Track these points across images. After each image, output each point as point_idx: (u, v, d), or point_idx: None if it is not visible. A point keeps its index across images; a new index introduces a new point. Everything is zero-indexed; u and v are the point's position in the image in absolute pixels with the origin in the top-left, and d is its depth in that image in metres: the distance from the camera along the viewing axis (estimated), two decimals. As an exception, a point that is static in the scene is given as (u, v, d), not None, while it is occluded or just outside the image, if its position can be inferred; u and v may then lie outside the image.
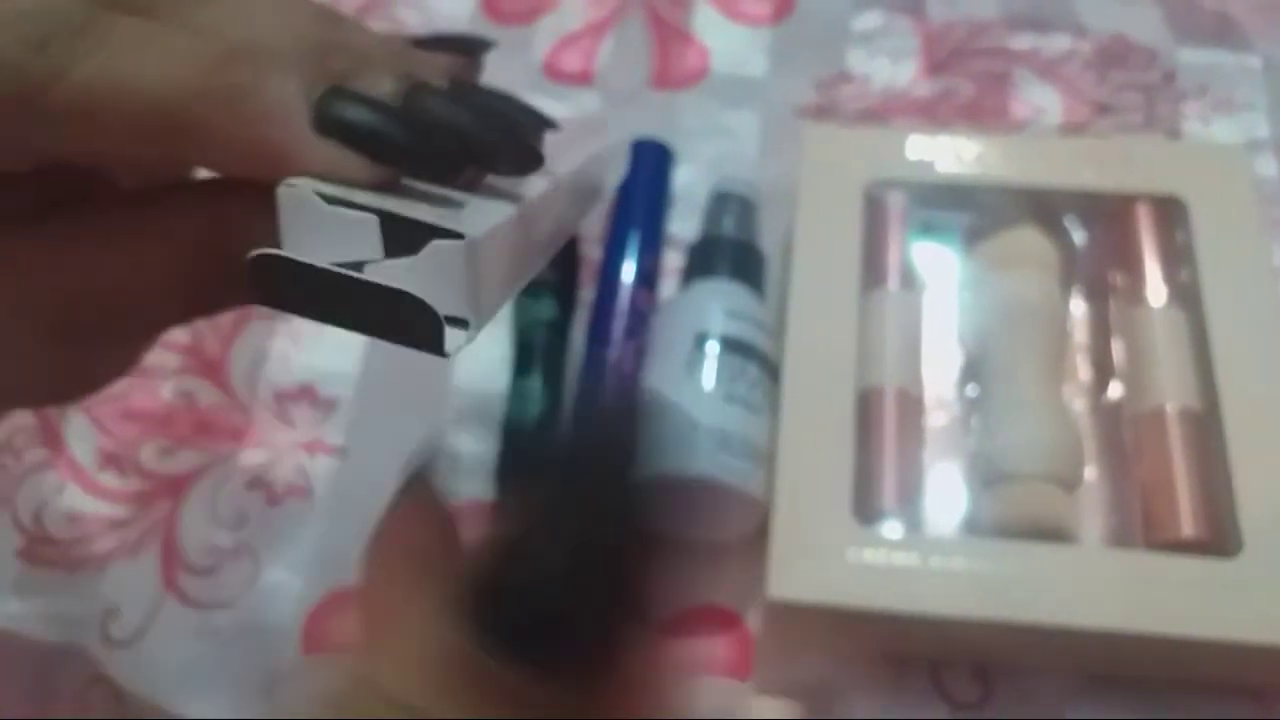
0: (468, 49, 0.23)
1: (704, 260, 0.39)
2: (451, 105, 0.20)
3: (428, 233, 0.18)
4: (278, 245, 0.18)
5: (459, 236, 0.18)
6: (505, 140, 0.21)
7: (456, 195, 0.20)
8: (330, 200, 0.18)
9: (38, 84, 0.18)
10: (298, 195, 0.18)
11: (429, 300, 0.17)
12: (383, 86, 0.20)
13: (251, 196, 0.20)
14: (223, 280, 0.21)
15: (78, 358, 0.23)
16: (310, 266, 0.18)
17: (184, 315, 0.23)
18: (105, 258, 0.21)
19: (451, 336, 0.18)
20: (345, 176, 0.19)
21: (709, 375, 0.35)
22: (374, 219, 0.18)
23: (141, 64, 0.18)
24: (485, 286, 0.18)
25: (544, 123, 0.24)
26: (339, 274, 0.18)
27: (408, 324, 0.18)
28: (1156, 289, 0.37)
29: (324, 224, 0.18)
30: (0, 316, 0.21)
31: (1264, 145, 0.45)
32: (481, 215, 0.19)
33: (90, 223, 0.21)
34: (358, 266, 0.18)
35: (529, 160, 0.21)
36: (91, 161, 0.22)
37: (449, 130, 0.20)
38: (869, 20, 0.49)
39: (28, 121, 0.19)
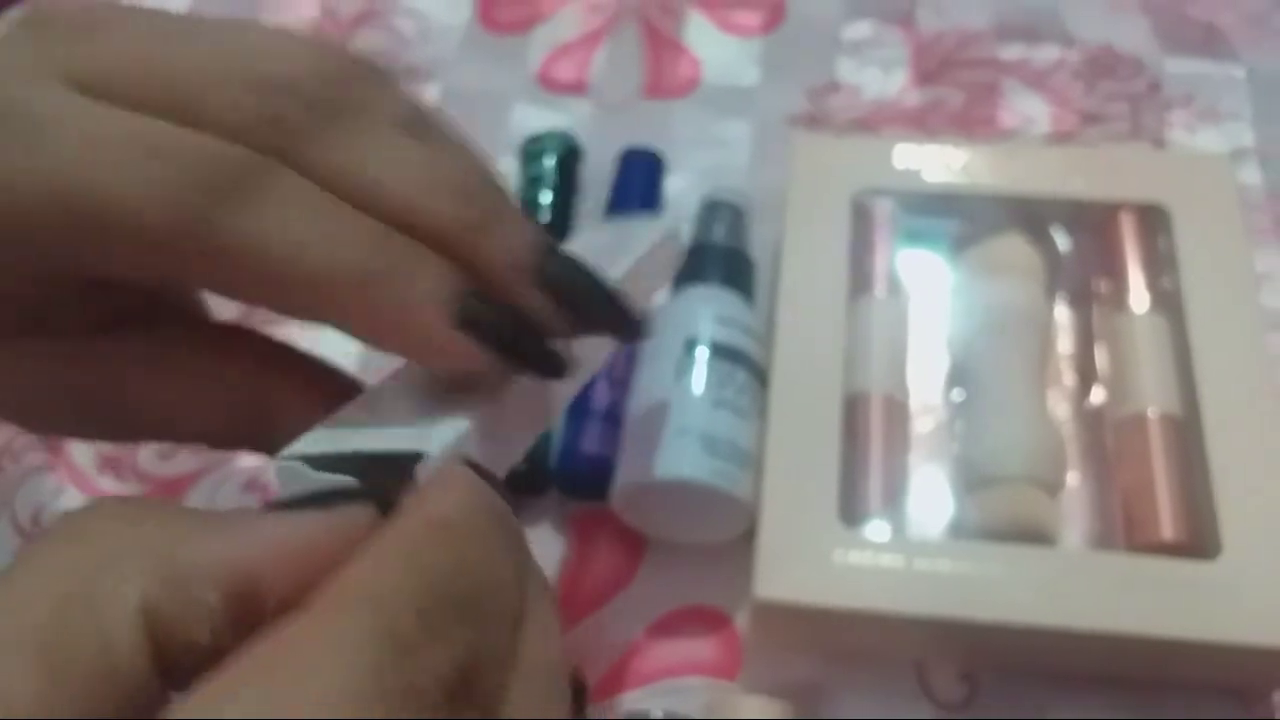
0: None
1: (694, 267, 0.39)
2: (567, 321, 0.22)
3: (405, 460, 0.19)
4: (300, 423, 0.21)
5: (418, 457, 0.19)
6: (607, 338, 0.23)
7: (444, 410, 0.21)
8: (317, 464, 0.19)
9: (204, 227, 0.19)
10: (291, 469, 0.19)
11: None
12: (521, 299, 0.21)
13: (298, 372, 0.21)
14: (239, 435, 0.22)
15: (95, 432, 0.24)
16: None
17: (197, 441, 0.24)
18: (152, 384, 0.22)
19: None
20: (467, 366, 0.21)
21: (698, 380, 0.35)
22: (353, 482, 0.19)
23: (310, 230, 0.19)
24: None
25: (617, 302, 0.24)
26: None
27: None
28: (1139, 296, 0.38)
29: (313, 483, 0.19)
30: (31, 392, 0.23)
31: (1249, 154, 0.46)
32: (449, 428, 0.20)
33: (152, 350, 0.22)
34: None
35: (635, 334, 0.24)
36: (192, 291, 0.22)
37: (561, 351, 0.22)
38: (859, 30, 0.50)
39: (174, 256, 0.19)
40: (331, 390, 0.23)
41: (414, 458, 0.19)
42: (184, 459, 0.40)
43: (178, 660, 0.15)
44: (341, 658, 0.14)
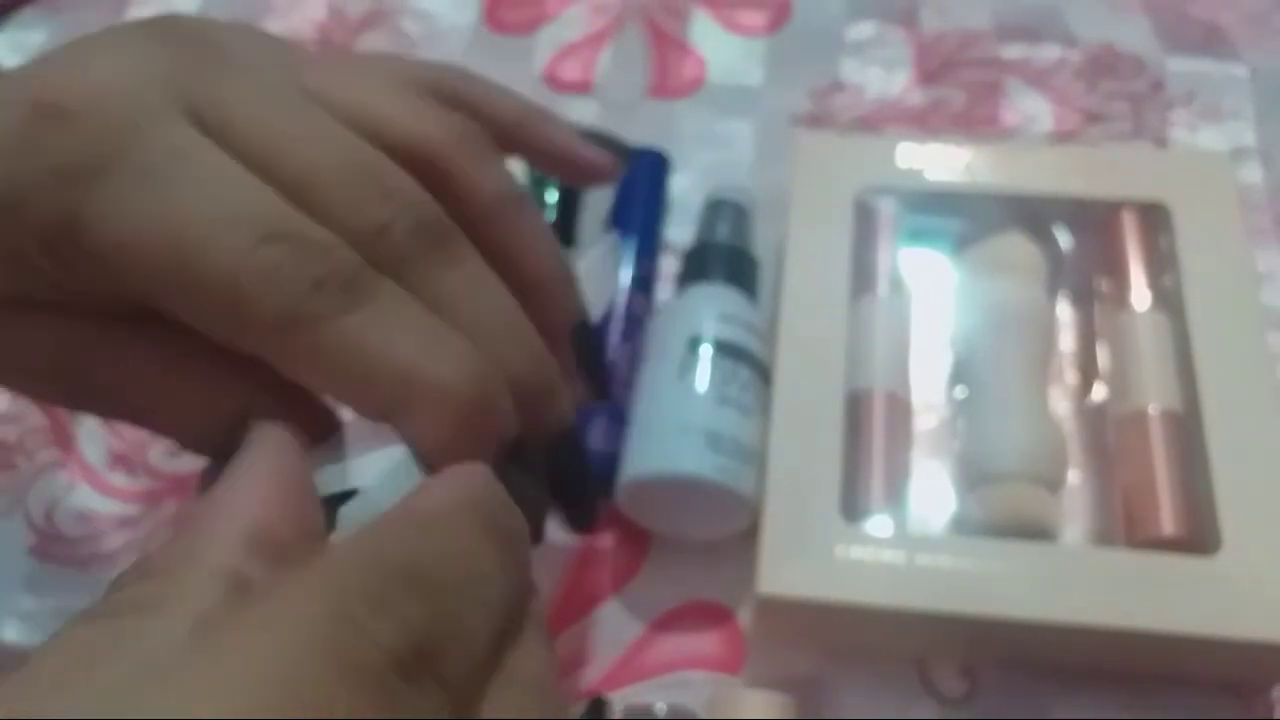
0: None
1: (699, 265, 0.40)
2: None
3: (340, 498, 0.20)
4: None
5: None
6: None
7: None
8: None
9: (297, 319, 0.20)
10: None
11: None
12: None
13: (300, 407, 0.22)
14: (224, 449, 0.23)
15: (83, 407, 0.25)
16: None
17: (178, 440, 0.24)
18: (156, 380, 0.23)
19: None
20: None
21: (702, 377, 0.35)
22: None
23: (386, 334, 0.20)
24: None
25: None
26: None
27: None
28: (1141, 294, 0.38)
29: None
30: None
31: (1250, 153, 0.46)
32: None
33: (166, 349, 0.23)
34: None
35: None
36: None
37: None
38: (862, 30, 0.50)
39: (258, 337, 0.20)
40: (321, 430, 0.23)
41: (349, 494, 0.19)
42: (191, 457, 0.40)
43: None
44: (286, 633, 0.15)
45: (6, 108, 0.21)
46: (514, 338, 0.23)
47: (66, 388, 0.24)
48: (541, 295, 0.25)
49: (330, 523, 0.19)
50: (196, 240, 0.20)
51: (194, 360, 0.22)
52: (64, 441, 0.41)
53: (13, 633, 0.37)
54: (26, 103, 0.21)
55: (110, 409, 0.24)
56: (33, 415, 0.42)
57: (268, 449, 0.19)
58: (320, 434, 0.22)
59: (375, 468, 0.20)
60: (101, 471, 0.40)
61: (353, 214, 0.21)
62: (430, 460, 0.20)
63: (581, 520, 0.26)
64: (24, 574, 0.38)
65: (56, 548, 0.39)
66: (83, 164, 0.20)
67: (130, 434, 0.41)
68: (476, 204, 0.24)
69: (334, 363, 0.20)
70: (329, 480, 0.20)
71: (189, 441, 0.23)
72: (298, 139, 0.21)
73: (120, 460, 0.40)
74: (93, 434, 0.41)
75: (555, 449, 0.24)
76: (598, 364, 0.25)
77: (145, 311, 0.22)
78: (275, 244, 0.20)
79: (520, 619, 0.18)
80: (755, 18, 0.51)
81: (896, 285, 0.39)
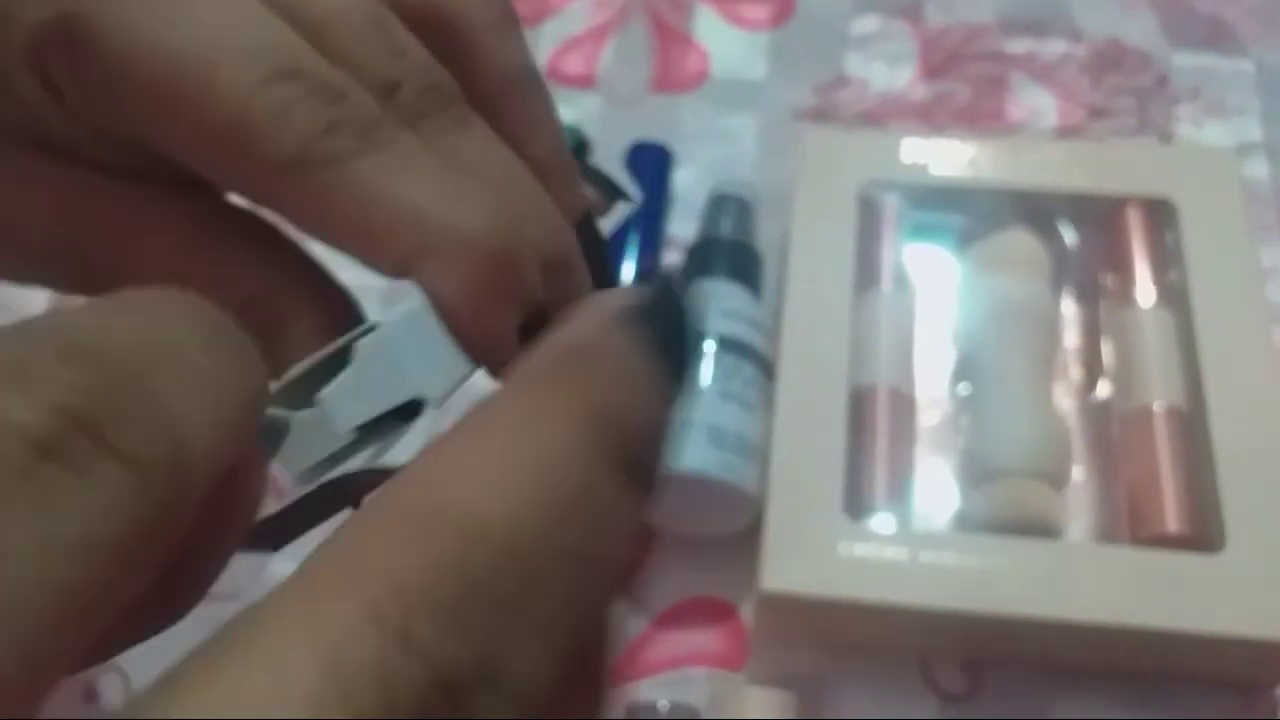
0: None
1: (702, 261, 0.40)
2: None
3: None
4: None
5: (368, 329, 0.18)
6: None
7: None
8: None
9: (308, 160, 0.18)
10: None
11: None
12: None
13: (315, 290, 0.21)
14: None
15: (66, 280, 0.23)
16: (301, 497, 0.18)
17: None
18: (164, 250, 0.21)
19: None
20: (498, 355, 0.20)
21: (705, 373, 0.35)
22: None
23: (403, 179, 0.19)
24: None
25: None
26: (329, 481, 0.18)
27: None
28: (1146, 290, 0.38)
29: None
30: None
31: (1256, 148, 0.46)
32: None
33: (176, 215, 0.21)
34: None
35: None
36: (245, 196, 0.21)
37: None
38: (867, 24, 0.50)
39: (264, 179, 0.19)
40: (338, 315, 0.22)
41: (368, 329, 0.18)
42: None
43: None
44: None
45: None
46: (533, 202, 0.21)
47: (64, 261, 0.22)
48: (550, 180, 0.23)
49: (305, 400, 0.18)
50: (206, 65, 0.18)
51: (207, 238, 0.21)
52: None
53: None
54: None
55: (109, 287, 0.23)
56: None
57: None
58: (337, 320, 0.21)
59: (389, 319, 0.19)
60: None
61: (367, 65, 0.20)
62: (452, 313, 0.19)
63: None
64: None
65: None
66: None
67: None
68: (493, 76, 0.23)
69: (348, 207, 0.19)
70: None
71: None
72: None
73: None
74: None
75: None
76: (603, 256, 0.24)
77: (156, 180, 0.21)
78: (289, 81, 0.18)
79: None
80: (759, 11, 0.51)
81: (900, 281, 0.39)
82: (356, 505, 0.19)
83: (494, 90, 0.22)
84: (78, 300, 0.16)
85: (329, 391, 0.18)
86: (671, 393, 0.15)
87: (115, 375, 0.12)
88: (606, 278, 0.23)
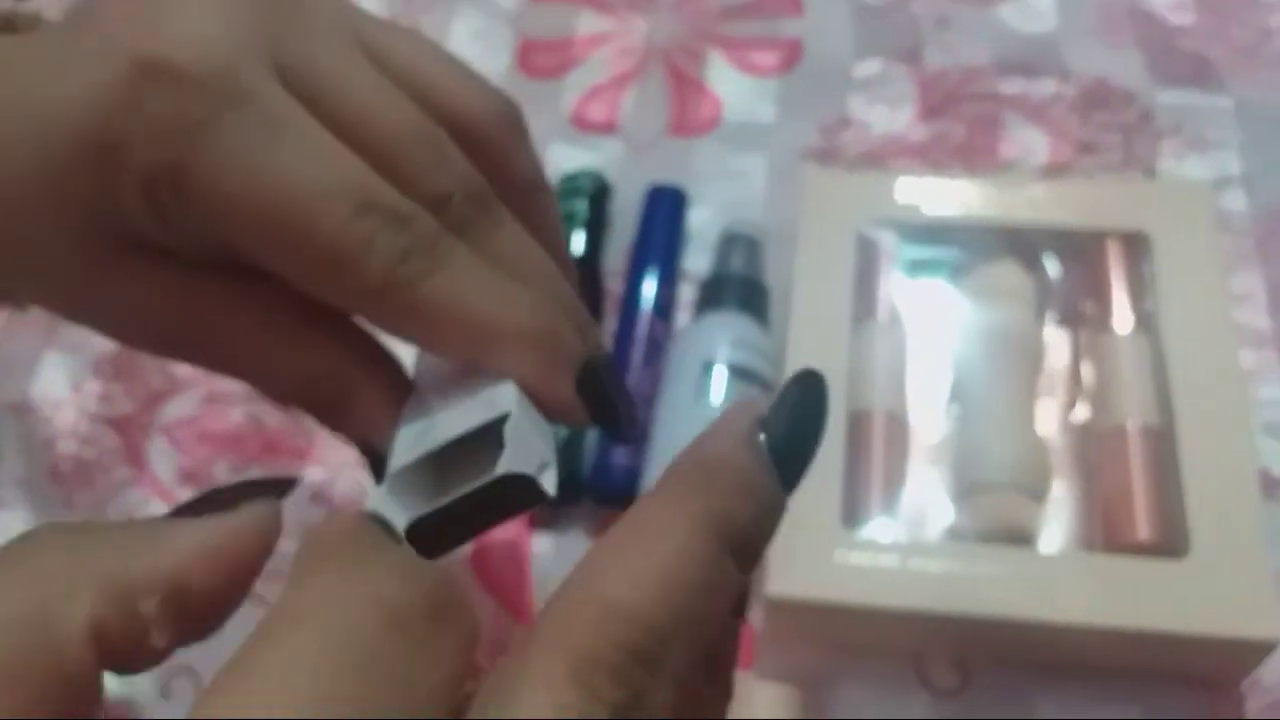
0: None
1: (714, 295, 0.43)
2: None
3: (496, 423, 0.23)
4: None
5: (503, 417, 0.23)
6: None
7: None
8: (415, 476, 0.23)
9: (391, 284, 0.23)
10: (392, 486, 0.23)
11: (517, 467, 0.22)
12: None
13: (380, 369, 0.25)
14: (307, 402, 0.26)
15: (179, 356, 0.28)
16: (436, 510, 0.22)
17: (265, 392, 0.27)
18: (246, 332, 0.26)
19: (547, 478, 0.23)
20: (575, 422, 0.25)
21: (716, 398, 0.39)
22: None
23: (469, 290, 0.23)
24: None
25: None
26: (459, 497, 0.22)
27: (513, 496, 0.23)
28: (1123, 318, 0.41)
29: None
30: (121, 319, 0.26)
31: (1234, 181, 0.49)
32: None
33: (257, 303, 0.25)
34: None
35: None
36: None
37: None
38: (869, 68, 0.54)
39: (359, 300, 0.23)
40: (400, 390, 0.26)
41: (502, 419, 0.22)
42: (256, 473, 0.44)
43: (124, 656, 0.17)
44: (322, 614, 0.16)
45: (101, 62, 0.22)
46: (557, 284, 0.26)
47: (167, 339, 0.26)
48: (560, 264, 0.27)
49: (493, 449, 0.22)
50: (300, 206, 0.22)
51: (281, 321, 0.25)
52: (137, 460, 0.45)
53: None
54: (125, 57, 0.22)
55: (204, 360, 0.27)
56: (108, 437, 0.46)
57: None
58: (396, 395, 0.25)
59: (478, 407, 0.23)
60: (171, 487, 0.44)
61: (423, 182, 0.24)
62: (531, 389, 0.24)
63: (628, 433, 0.28)
64: (105, 580, 0.42)
65: (133, 556, 0.43)
66: (190, 119, 0.22)
67: (197, 453, 0.45)
68: (513, 181, 0.27)
69: (427, 319, 0.23)
70: (413, 438, 0.24)
71: (273, 394, 0.26)
72: (378, 111, 0.24)
73: (188, 477, 0.44)
74: (163, 453, 0.45)
75: (599, 371, 0.26)
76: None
77: (242, 272, 0.25)
78: (369, 215, 0.22)
79: None
80: (768, 58, 0.55)
81: (895, 312, 0.42)
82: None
83: (516, 193, 0.27)
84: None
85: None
86: (784, 498, 0.20)
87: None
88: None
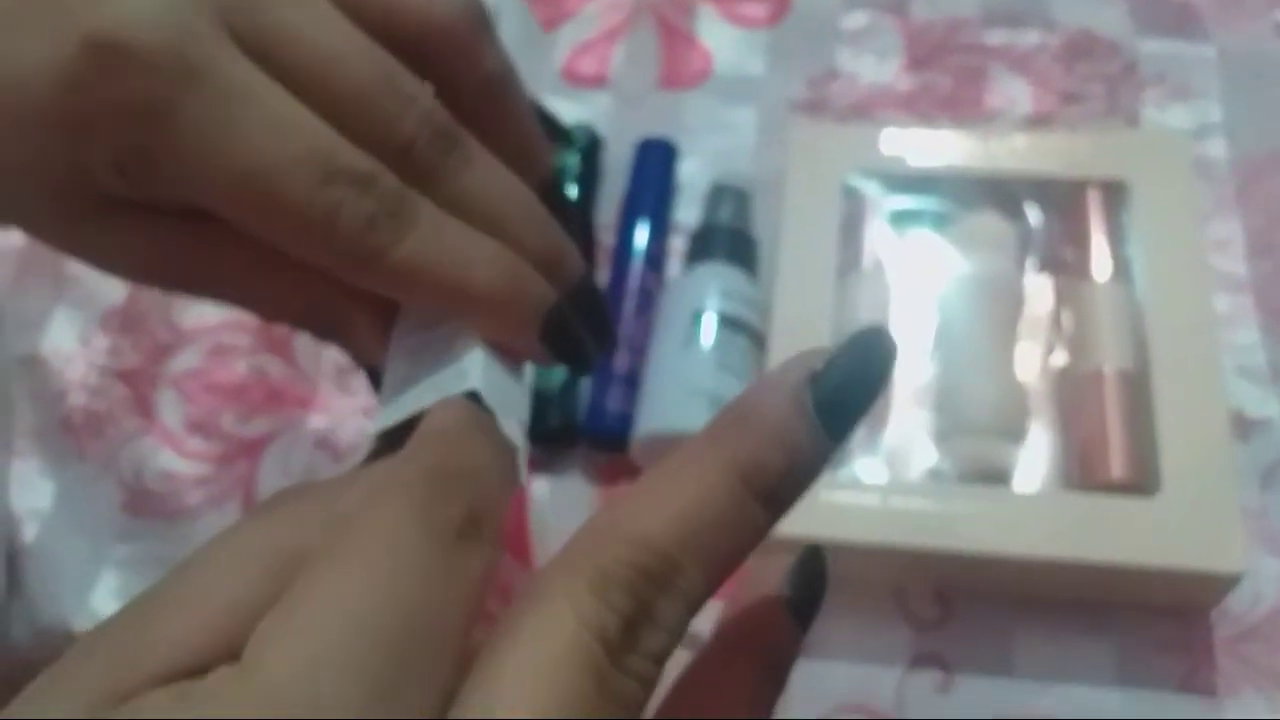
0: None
1: (703, 246, 0.45)
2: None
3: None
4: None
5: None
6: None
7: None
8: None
9: (358, 254, 0.23)
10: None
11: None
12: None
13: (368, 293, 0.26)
14: (306, 325, 0.27)
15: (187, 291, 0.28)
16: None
17: (267, 318, 0.29)
18: (247, 269, 0.26)
19: (512, 431, 0.24)
20: (527, 357, 0.26)
21: (705, 345, 0.40)
22: None
23: (433, 254, 0.24)
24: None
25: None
26: None
27: None
28: (1102, 265, 0.43)
29: None
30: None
31: (1216, 129, 0.50)
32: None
33: (252, 243, 0.25)
34: None
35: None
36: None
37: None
38: (857, 19, 0.54)
39: (327, 263, 0.24)
40: (392, 311, 0.27)
41: (473, 396, 0.24)
42: (261, 422, 0.46)
43: None
44: (394, 537, 0.18)
45: (54, 37, 0.22)
46: (529, 218, 0.26)
47: (160, 277, 0.27)
48: (525, 159, 0.28)
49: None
50: (265, 180, 0.22)
51: (273, 259, 0.25)
52: (147, 410, 0.46)
53: (111, 577, 0.43)
54: (76, 35, 0.22)
55: (194, 293, 0.28)
56: (118, 388, 0.47)
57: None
58: (388, 317, 0.26)
59: (450, 376, 0.24)
60: (180, 436, 0.46)
61: (386, 132, 0.24)
62: (496, 342, 0.25)
63: (609, 347, 0.28)
64: (119, 526, 0.44)
65: (145, 503, 0.44)
66: (148, 104, 0.22)
67: (204, 403, 0.46)
68: (477, 81, 0.27)
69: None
70: (398, 383, 0.25)
71: (270, 319, 0.28)
72: (334, 60, 0.24)
73: (197, 426, 0.46)
74: (172, 403, 0.46)
75: (579, 292, 0.27)
76: (568, 207, 0.29)
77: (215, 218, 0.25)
78: (334, 183, 0.23)
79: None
80: (758, 10, 0.55)
81: (879, 262, 0.44)
82: None
83: (483, 93, 0.27)
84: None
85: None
86: (827, 450, 0.21)
87: (483, 498, 0.20)
88: (573, 229, 0.28)
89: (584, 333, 0.27)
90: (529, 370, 0.26)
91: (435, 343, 0.25)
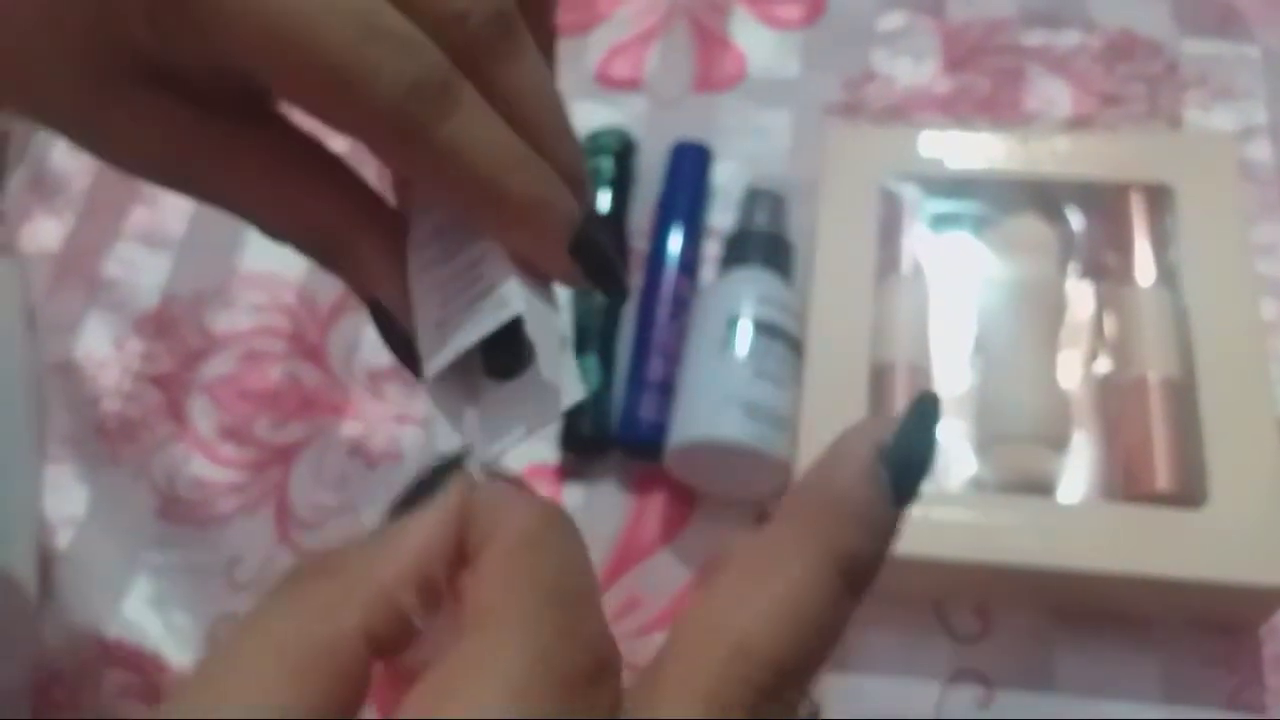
0: None
1: (738, 251, 0.44)
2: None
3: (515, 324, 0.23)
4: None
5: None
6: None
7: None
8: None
9: (398, 123, 0.22)
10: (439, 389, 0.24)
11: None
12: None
13: (377, 217, 0.25)
14: (306, 247, 0.26)
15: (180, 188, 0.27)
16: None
17: (265, 233, 0.26)
18: (247, 179, 0.25)
19: (568, 372, 0.23)
20: (559, 278, 0.25)
21: (741, 353, 0.40)
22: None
23: (470, 147, 0.23)
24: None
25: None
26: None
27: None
28: (1145, 270, 0.42)
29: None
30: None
31: (1260, 131, 0.49)
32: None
33: (261, 149, 0.25)
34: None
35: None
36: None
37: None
38: (893, 21, 0.54)
39: (363, 129, 0.23)
40: (395, 238, 0.26)
41: (518, 320, 0.23)
42: (294, 428, 0.45)
43: (392, 645, 0.18)
44: (502, 664, 0.17)
45: None
46: (565, 132, 0.25)
47: (168, 174, 0.26)
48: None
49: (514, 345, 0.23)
50: (305, 28, 0.21)
51: (283, 166, 0.25)
52: (180, 417, 0.46)
53: (143, 584, 0.43)
54: None
55: (199, 195, 0.27)
56: (151, 393, 0.47)
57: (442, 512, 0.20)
58: (396, 250, 0.25)
59: (490, 307, 0.23)
60: (213, 443, 0.46)
61: (437, 2, 0.23)
62: (524, 257, 0.24)
63: (618, 290, 0.27)
64: (152, 533, 0.44)
65: (178, 510, 0.44)
66: None
67: (237, 409, 0.46)
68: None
69: (427, 168, 0.23)
70: (433, 327, 0.24)
71: (269, 234, 0.26)
72: None
73: (229, 433, 0.46)
74: (205, 410, 0.46)
75: (593, 235, 0.25)
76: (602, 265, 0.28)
77: (247, 114, 0.24)
78: (377, 40, 0.21)
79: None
80: (792, 11, 0.55)
81: (918, 266, 0.43)
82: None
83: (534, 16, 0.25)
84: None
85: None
86: (899, 522, 0.21)
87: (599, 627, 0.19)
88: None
89: (613, 252, 0.26)
90: (559, 298, 0.25)
91: (460, 274, 0.24)
